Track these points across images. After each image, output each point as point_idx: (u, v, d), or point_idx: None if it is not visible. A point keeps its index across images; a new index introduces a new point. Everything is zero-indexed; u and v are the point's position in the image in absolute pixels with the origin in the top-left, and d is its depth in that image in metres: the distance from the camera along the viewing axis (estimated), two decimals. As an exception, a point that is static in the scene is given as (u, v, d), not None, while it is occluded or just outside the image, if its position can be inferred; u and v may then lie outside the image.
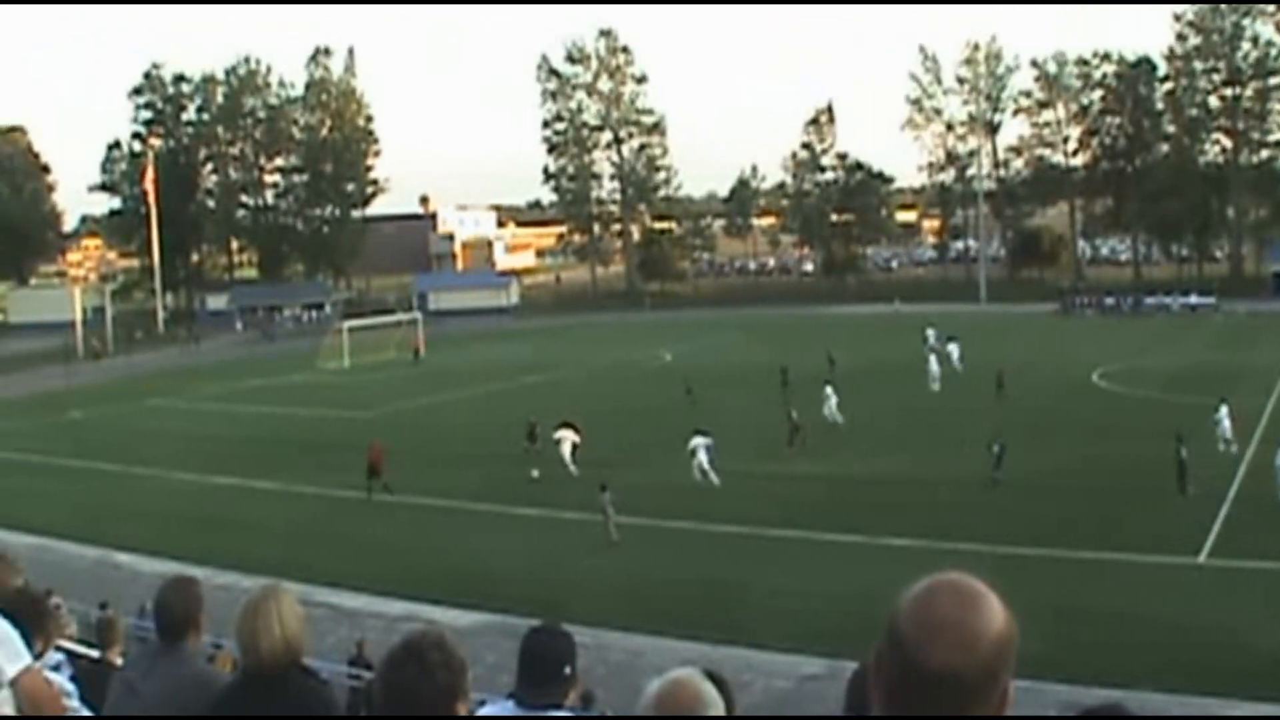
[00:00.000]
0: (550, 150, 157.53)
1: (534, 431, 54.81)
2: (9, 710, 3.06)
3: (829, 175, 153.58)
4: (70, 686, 6.75)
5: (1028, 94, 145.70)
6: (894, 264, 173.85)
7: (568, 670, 5.78)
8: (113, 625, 10.11)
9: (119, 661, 8.39)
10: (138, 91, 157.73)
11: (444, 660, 4.65)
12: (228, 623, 5.92)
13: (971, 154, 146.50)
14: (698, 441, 49.96)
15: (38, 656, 6.30)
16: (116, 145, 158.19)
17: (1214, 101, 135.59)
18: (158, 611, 6.50)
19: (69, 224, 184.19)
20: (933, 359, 71.53)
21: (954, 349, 74.93)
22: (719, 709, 3.87)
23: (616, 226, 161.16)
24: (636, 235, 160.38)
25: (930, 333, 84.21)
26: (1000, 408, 61.73)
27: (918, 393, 66.74)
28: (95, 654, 9.44)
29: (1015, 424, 54.30)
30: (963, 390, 66.67)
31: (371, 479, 48.73)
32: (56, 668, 7.18)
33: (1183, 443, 43.73)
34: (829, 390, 60.34)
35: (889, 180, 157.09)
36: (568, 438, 52.02)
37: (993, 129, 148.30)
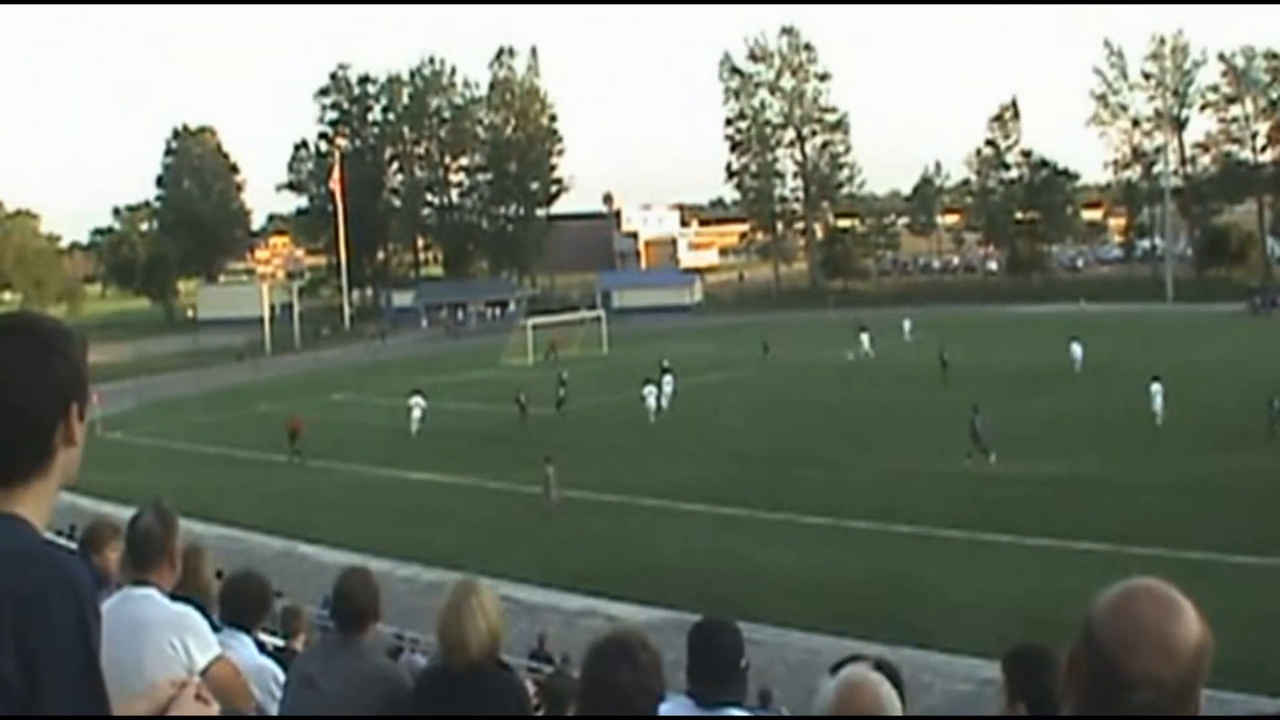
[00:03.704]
0: (733, 148, 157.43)
1: (524, 407, 66.43)
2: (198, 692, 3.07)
3: (1013, 172, 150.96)
4: (278, 671, 6.88)
5: (1215, 89, 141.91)
6: (1079, 263, 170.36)
7: (744, 664, 5.75)
8: (297, 614, 10.29)
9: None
10: (324, 93, 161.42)
11: (651, 660, 4.68)
12: (412, 613, 6.00)
13: (1158, 150, 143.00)
14: (415, 400, 64.27)
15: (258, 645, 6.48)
16: (303, 145, 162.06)
17: None
18: (337, 601, 6.55)
19: (257, 222, 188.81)
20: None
21: (1077, 349, 73.27)
22: (896, 712, 3.82)
23: (799, 225, 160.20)
24: (819, 233, 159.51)
25: (864, 337, 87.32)
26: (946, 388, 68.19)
27: (1091, 393, 65.01)
28: (280, 643, 9.61)
29: (1200, 427, 53.38)
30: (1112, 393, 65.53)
31: (292, 443, 59.51)
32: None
33: (977, 412, 50.13)
34: (651, 386, 66.69)
35: (1074, 177, 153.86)
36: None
37: (1179, 125, 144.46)
